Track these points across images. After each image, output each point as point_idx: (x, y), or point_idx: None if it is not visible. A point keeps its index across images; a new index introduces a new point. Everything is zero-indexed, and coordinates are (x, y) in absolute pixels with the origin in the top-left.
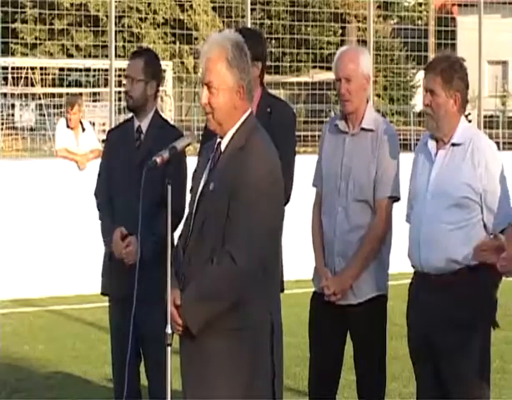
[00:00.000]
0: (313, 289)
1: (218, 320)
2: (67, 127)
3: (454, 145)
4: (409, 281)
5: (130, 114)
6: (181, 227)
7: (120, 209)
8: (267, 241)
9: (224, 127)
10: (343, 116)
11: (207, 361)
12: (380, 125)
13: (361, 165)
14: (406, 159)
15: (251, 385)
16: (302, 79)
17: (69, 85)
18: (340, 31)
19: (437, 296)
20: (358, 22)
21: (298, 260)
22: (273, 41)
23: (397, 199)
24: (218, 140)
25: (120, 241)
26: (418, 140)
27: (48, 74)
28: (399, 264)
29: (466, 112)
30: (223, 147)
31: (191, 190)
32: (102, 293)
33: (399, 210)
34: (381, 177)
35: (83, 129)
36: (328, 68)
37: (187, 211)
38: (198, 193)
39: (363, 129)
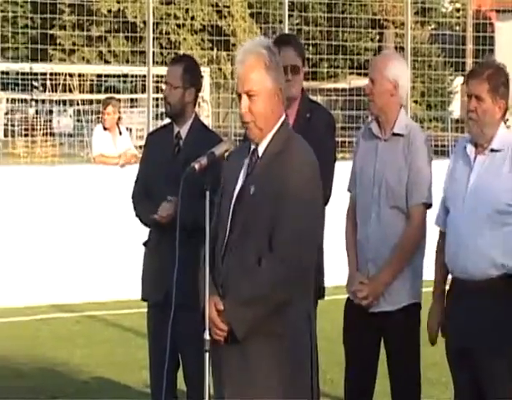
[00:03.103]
0: (347, 295)
1: (261, 323)
2: (104, 129)
3: (493, 151)
4: (447, 287)
5: (167, 120)
6: None
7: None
8: (311, 244)
9: (264, 133)
10: (374, 118)
11: (248, 365)
12: (412, 130)
13: (393, 171)
14: (443, 165)
15: (292, 388)
16: (339, 85)
17: (106, 91)
18: (378, 37)
19: (475, 302)
20: (396, 28)
21: (336, 266)
22: (311, 47)
23: (430, 206)
24: (253, 147)
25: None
26: (455, 146)
27: (86, 80)
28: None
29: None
30: (260, 152)
31: (220, 196)
32: (143, 299)
33: (432, 216)
34: (413, 183)
35: (120, 133)
36: (366, 74)
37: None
38: (234, 198)
39: (394, 134)
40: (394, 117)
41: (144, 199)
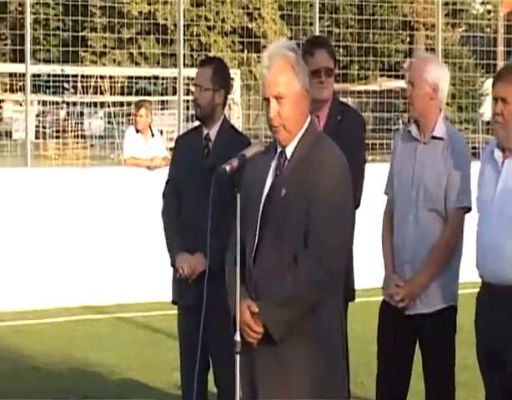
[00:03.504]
0: (381, 298)
1: (296, 324)
2: (136, 131)
3: None
4: (478, 290)
5: (198, 122)
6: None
7: (187, 217)
8: (342, 246)
9: (293, 135)
10: (413, 121)
11: (282, 365)
12: (452, 134)
13: (432, 174)
14: (475, 167)
15: (326, 389)
16: (370, 87)
17: (137, 93)
18: (408, 39)
19: (503, 307)
20: (427, 29)
21: (366, 268)
22: (341, 49)
23: (468, 209)
24: (280, 149)
25: (186, 266)
26: (484, 151)
27: (117, 82)
28: (470, 273)
29: None
30: (288, 154)
31: (245, 197)
32: (173, 302)
33: (469, 219)
34: (452, 186)
35: (152, 135)
36: (397, 76)
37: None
38: (263, 200)
39: (434, 138)
40: (433, 120)
41: (171, 225)
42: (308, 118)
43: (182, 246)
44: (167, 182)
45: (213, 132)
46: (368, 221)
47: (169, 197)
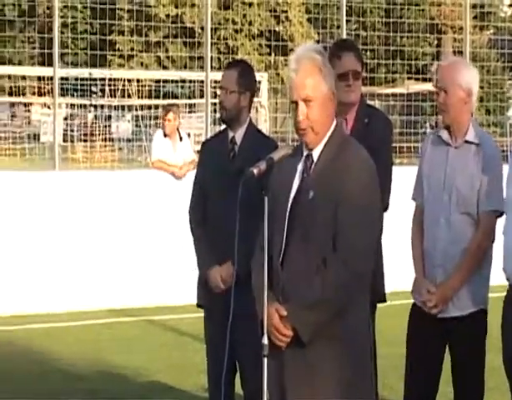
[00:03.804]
0: (408, 301)
1: (324, 326)
2: (164, 135)
3: None
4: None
5: (224, 125)
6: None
7: (214, 220)
8: (369, 249)
9: (320, 138)
10: (444, 126)
11: (311, 368)
12: (483, 138)
13: (464, 177)
14: (503, 170)
15: (355, 391)
16: (397, 90)
17: (164, 96)
18: (436, 42)
19: None
20: (454, 32)
21: (394, 271)
22: (368, 52)
23: (501, 213)
24: (306, 152)
25: (219, 280)
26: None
27: (144, 86)
28: (499, 276)
29: None
30: (315, 156)
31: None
32: (198, 305)
33: (500, 223)
34: (486, 190)
35: (181, 138)
36: (424, 79)
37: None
38: (290, 202)
39: (466, 142)
40: (465, 124)
41: (199, 233)
42: (335, 121)
43: (212, 258)
44: (193, 187)
45: (238, 135)
46: (397, 224)
47: (196, 209)
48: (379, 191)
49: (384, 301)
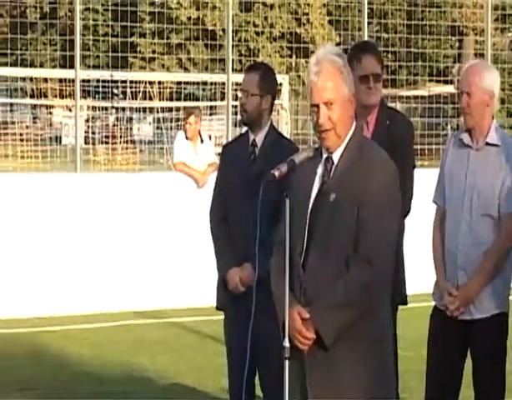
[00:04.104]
0: (429, 303)
1: (349, 328)
2: (186, 137)
3: None
4: None
5: (246, 127)
6: None
7: (234, 222)
8: (391, 249)
9: (341, 140)
10: (466, 129)
11: (334, 369)
12: (505, 141)
13: (486, 179)
14: None
15: (378, 392)
16: (418, 92)
17: (186, 98)
18: (457, 44)
19: None
20: (476, 34)
21: (414, 274)
22: (390, 54)
23: None
24: (325, 154)
25: (238, 282)
26: None
27: (166, 88)
28: None
29: None
30: (335, 159)
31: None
32: (217, 308)
33: None
34: (506, 192)
35: (202, 141)
36: (445, 82)
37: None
38: (311, 205)
39: (488, 144)
40: (487, 127)
41: (219, 236)
42: (354, 124)
43: (232, 259)
44: (214, 189)
45: (259, 138)
46: (418, 226)
47: (216, 210)
48: (400, 192)
49: (406, 303)
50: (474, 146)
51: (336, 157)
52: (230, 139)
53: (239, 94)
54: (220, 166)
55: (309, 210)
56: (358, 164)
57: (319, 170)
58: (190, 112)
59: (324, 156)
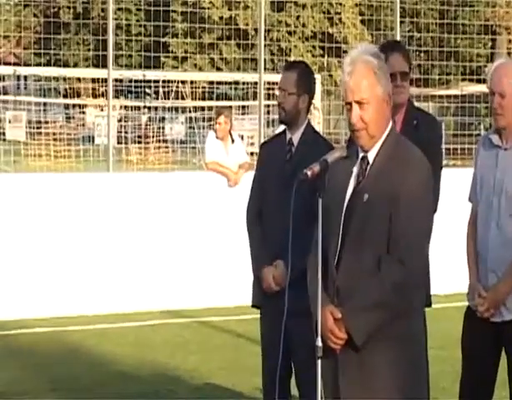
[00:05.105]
0: (462, 303)
1: (381, 328)
2: (216, 137)
3: None
4: None
5: (279, 127)
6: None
7: (269, 221)
8: (425, 247)
9: (375, 140)
10: (496, 130)
11: (367, 369)
12: None
13: None
14: None
15: (412, 392)
16: (451, 92)
17: (218, 98)
18: (490, 43)
19: None
20: (509, 34)
21: (447, 274)
22: (422, 53)
23: None
24: (361, 154)
25: (271, 281)
26: None
27: (198, 87)
28: None
29: None
30: (370, 159)
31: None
32: (253, 306)
33: None
34: None
35: (233, 141)
36: (478, 81)
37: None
38: (345, 205)
39: None
40: None
41: (255, 235)
42: (390, 123)
43: (266, 258)
44: (251, 188)
45: (296, 137)
46: (449, 226)
47: (253, 208)
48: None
49: (430, 304)
50: (503, 146)
51: (371, 156)
52: (262, 139)
53: (277, 93)
54: (257, 164)
55: (344, 210)
56: (394, 163)
57: (355, 169)
58: (220, 112)
59: (360, 155)
